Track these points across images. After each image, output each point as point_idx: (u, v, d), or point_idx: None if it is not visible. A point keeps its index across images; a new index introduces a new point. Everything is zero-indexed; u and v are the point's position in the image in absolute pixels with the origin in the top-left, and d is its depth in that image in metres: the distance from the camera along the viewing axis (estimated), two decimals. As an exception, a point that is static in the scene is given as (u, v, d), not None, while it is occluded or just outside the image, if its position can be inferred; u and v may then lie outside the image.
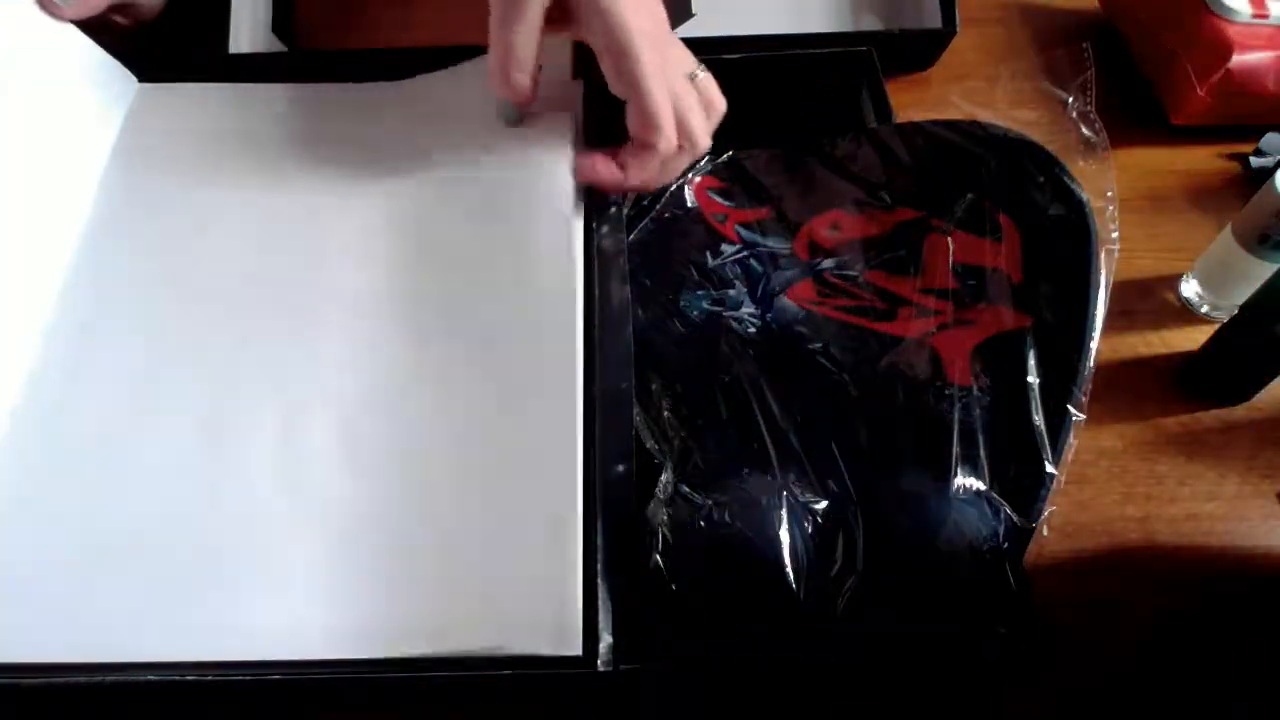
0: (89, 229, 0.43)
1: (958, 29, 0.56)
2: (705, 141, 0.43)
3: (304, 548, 0.35)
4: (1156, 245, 0.52)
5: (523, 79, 0.42)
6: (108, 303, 0.41)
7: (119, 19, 0.48)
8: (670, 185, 0.47)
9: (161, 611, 0.34)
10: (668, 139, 0.41)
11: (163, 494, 0.36)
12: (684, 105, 0.42)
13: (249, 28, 0.54)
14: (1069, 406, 0.38)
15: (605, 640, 0.34)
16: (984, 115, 0.47)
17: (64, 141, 0.44)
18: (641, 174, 0.43)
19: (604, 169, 0.43)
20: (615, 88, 0.41)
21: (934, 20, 0.56)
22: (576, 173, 0.43)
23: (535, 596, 0.34)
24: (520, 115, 0.45)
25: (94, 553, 0.35)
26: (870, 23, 0.57)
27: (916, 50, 0.59)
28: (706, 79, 0.44)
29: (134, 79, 0.48)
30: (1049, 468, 0.37)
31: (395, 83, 0.49)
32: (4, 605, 0.34)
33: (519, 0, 0.39)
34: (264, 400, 0.39)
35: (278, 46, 0.54)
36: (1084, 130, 0.46)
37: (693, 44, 0.54)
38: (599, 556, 0.35)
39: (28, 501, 0.36)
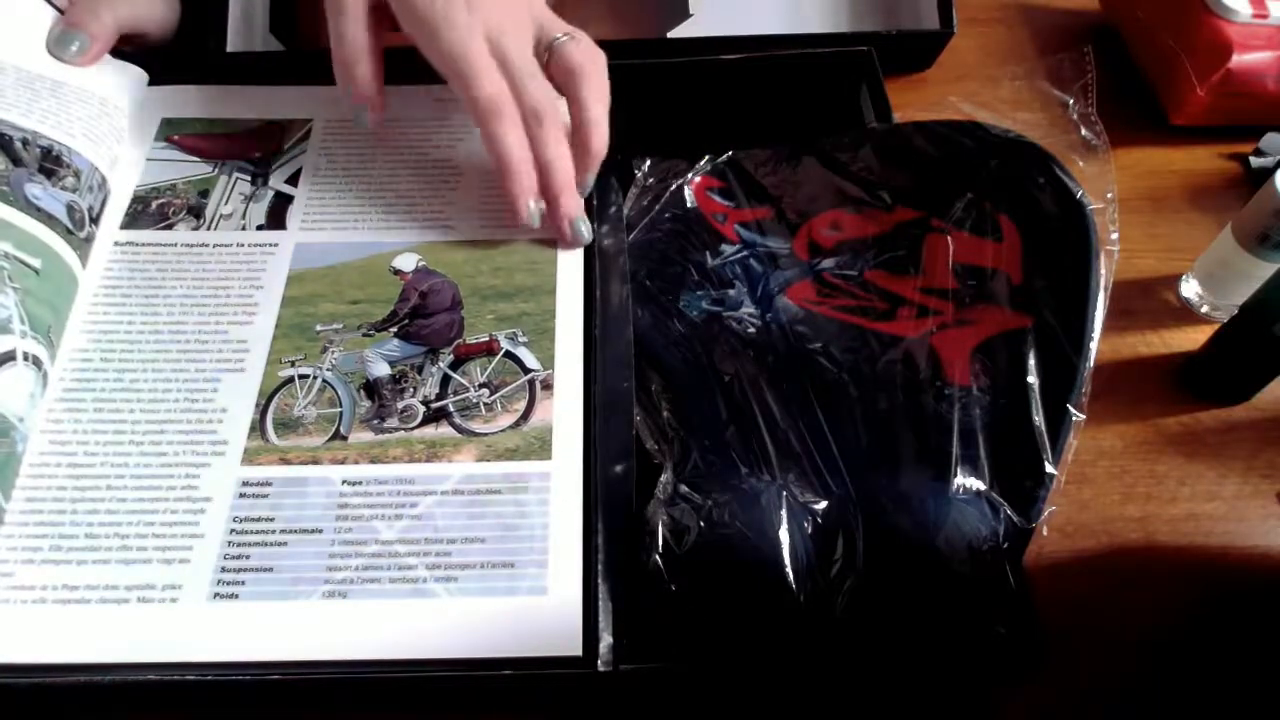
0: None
1: (955, 30, 0.56)
2: (546, 104, 0.41)
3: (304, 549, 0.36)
4: (1156, 245, 0.52)
5: (360, 69, 0.41)
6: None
7: (125, 48, 0.48)
8: (670, 185, 0.47)
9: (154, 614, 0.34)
10: (481, 85, 0.39)
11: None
12: (515, 69, 0.40)
13: (247, 27, 0.54)
14: (1069, 406, 0.38)
15: (605, 640, 0.34)
16: (984, 116, 0.47)
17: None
18: (505, 140, 0.40)
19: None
20: (430, 58, 0.40)
21: (931, 21, 0.56)
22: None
23: (535, 599, 0.34)
24: (372, 118, 0.44)
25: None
26: (869, 23, 0.57)
27: (915, 51, 0.59)
28: (568, 43, 0.42)
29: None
30: (1049, 468, 0.37)
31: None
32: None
33: None
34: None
35: (276, 46, 0.54)
36: (1084, 132, 0.46)
37: (692, 44, 0.55)
38: (599, 556, 0.35)
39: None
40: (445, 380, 0.40)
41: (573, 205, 0.43)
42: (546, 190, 0.42)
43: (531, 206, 0.42)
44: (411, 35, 0.41)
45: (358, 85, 0.42)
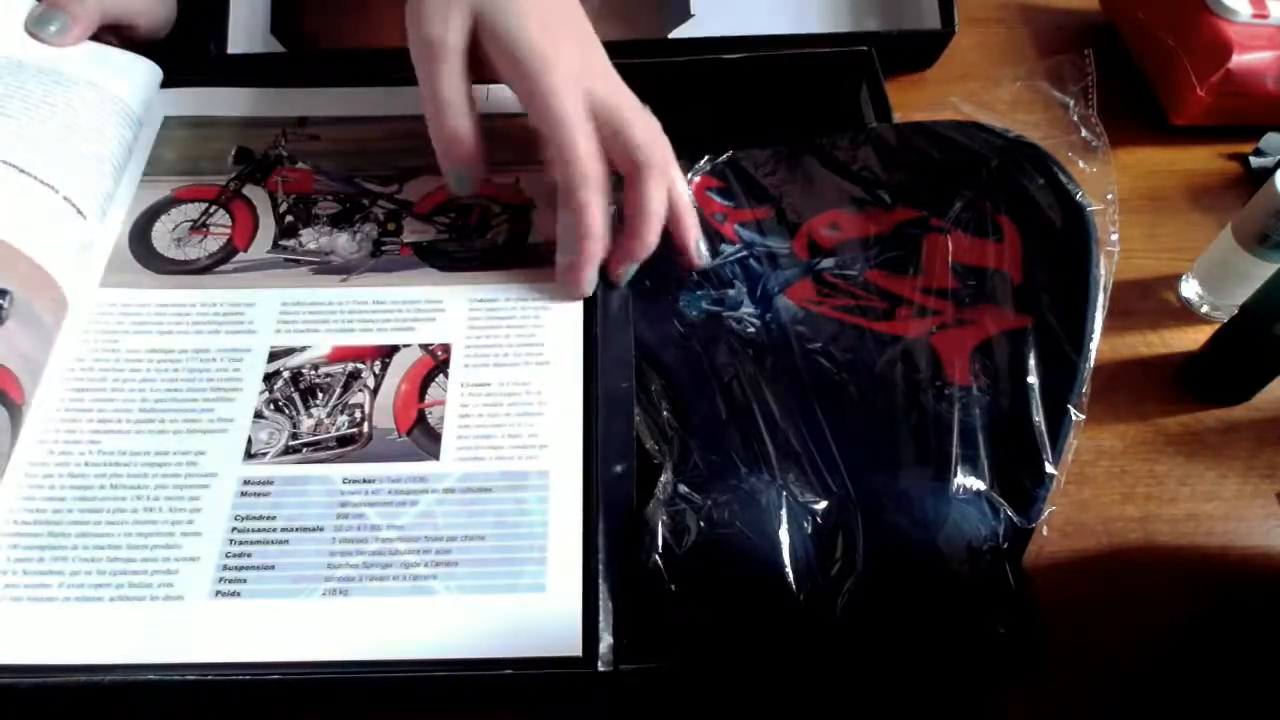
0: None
1: (956, 29, 0.56)
2: (656, 151, 0.39)
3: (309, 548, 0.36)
4: (1156, 245, 0.52)
5: (458, 125, 0.38)
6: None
7: (111, 39, 0.48)
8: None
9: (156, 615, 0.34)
10: (578, 145, 0.37)
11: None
12: (615, 117, 0.38)
13: (248, 28, 0.54)
14: (1069, 406, 0.38)
15: (605, 640, 0.34)
16: (984, 116, 0.47)
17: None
18: (593, 208, 0.38)
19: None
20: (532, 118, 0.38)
21: (933, 21, 0.56)
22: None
23: (535, 597, 0.34)
24: (472, 180, 0.42)
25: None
26: (870, 23, 0.57)
27: (916, 51, 0.59)
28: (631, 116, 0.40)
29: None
30: (1049, 468, 0.37)
31: None
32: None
33: (432, 41, 0.37)
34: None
35: (277, 48, 0.54)
36: (1084, 132, 0.46)
37: (692, 44, 0.55)
38: (599, 556, 0.35)
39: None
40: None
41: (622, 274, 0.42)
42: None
43: (593, 275, 0.41)
44: (508, 80, 0.38)
45: (454, 140, 0.38)
